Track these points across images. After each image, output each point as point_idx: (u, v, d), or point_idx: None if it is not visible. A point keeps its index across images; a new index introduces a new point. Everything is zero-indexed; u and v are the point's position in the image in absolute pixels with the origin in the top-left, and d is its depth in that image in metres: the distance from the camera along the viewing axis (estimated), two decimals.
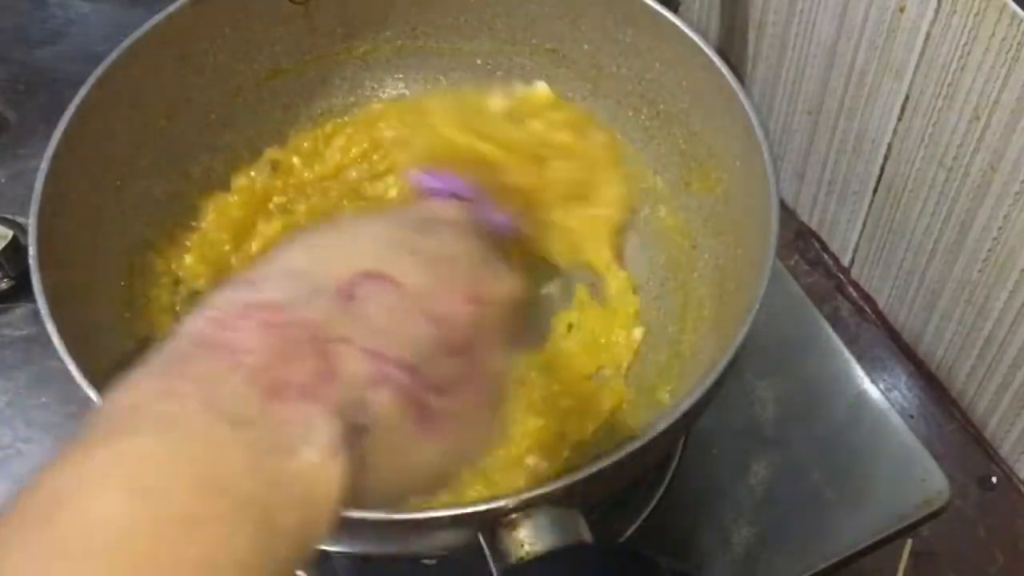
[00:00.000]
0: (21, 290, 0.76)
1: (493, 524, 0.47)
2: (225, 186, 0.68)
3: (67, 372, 0.50)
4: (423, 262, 0.38)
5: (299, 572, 0.66)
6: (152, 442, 0.30)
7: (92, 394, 0.49)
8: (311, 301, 0.35)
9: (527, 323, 0.43)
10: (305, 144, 0.71)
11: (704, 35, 0.62)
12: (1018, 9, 0.56)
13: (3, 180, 0.82)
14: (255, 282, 0.36)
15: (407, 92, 0.73)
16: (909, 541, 0.69)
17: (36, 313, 0.52)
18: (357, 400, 0.34)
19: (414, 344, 0.36)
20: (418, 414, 0.36)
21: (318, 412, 0.33)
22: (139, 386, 0.33)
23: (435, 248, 0.39)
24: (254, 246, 0.68)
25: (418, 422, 0.36)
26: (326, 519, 0.32)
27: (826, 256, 0.82)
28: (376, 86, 0.73)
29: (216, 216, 0.67)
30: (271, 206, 0.69)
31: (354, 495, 0.34)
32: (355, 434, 0.34)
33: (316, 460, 0.32)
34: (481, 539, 0.47)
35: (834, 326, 0.76)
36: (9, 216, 0.77)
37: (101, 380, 0.49)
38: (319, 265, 0.37)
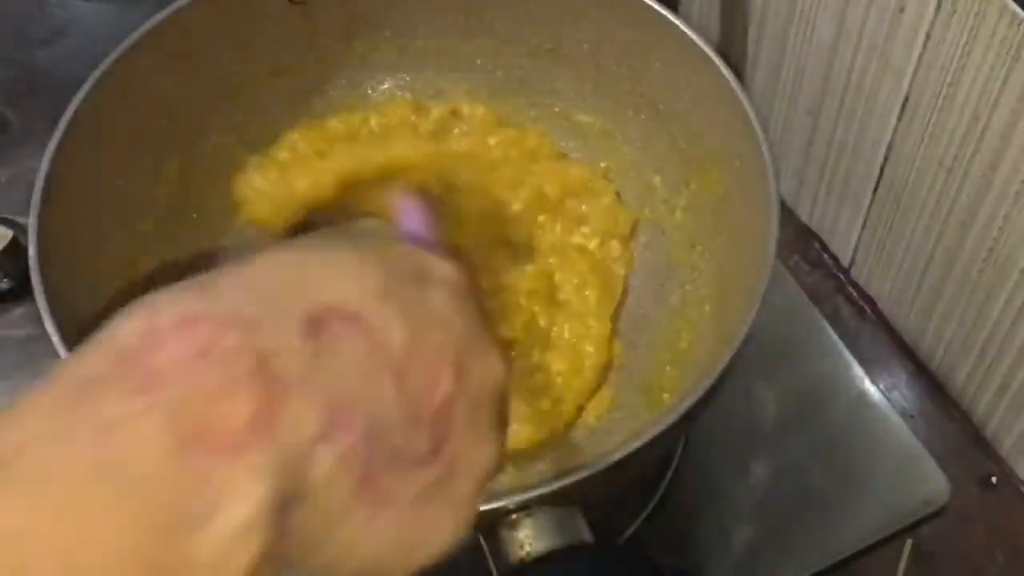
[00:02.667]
0: (21, 290, 0.76)
1: (493, 524, 0.47)
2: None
3: None
4: (410, 318, 0.32)
5: None
6: (15, 511, 0.25)
7: None
8: (268, 325, 0.29)
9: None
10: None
11: (704, 35, 0.62)
12: (1018, 9, 0.56)
13: (3, 180, 0.82)
14: (208, 288, 0.30)
15: (407, 93, 0.73)
16: (909, 541, 0.69)
17: (36, 313, 0.52)
18: (298, 459, 0.28)
19: (376, 406, 0.30)
20: (365, 489, 0.30)
21: (245, 470, 0.27)
22: (29, 419, 0.27)
23: (426, 308, 0.33)
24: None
25: (363, 499, 0.30)
26: None
27: (826, 256, 0.82)
28: (376, 86, 0.73)
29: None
30: None
31: (270, 572, 0.28)
32: (287, 503, 0.28)
33: (227, 536, 0.26)
34: (481, 539, 0.47)
35: (834, 326, 0.76)
36: (9, 216, 0.77)
37: None
38: (291, 284, 0.31)
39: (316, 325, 0.30)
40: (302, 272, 0.32)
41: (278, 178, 0.62)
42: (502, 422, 0.35)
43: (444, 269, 0.35)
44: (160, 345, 0.28)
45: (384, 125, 0.71)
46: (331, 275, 0.32)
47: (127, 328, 0.29)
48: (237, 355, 0.28)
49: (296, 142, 0.69)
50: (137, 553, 0.25)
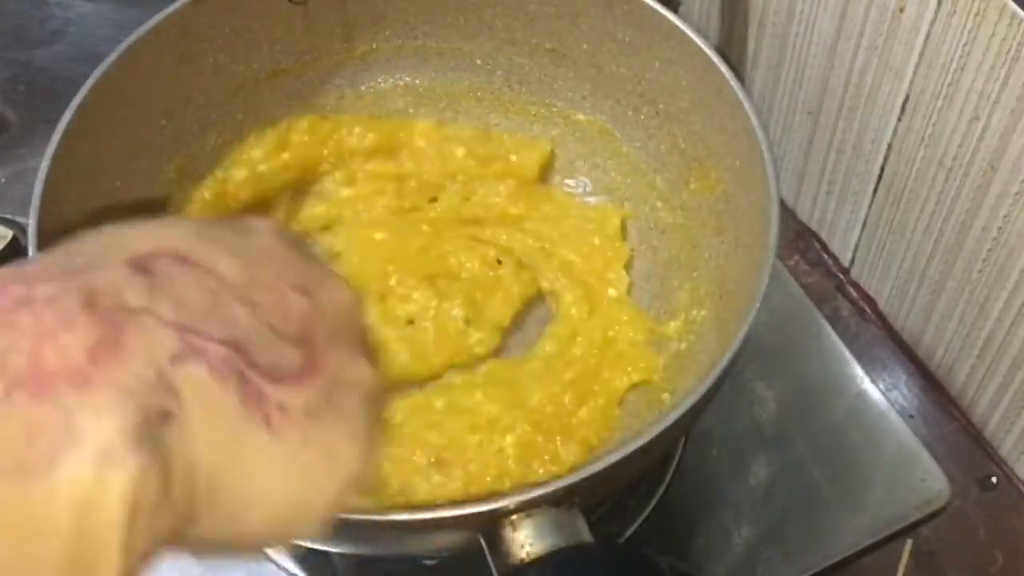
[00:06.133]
0: None
1: (493, 524, 0.47)
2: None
3: None
4: (238, 256, 0.32)
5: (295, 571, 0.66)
6: None
7: None
8: (92, 270, 0.28)
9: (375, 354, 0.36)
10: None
11: (704, 35, 0.62)
12: (1018, 9, 0.56)
13: (3, 180, 0.82)
14: (24, 264, 0.29)
15: (406, 91, 0.73)
16: (909, 541, 0.69)
17: None
18: (157, 378, 0.27)
19: (233, 326, 0.29)
20: (252, 401, 0.29)
21: (90, 399, 0.25)
22: None
23: (254, 247, 0.33)
24: None
25: (253, 412, 0.29)
26: (111, 550, 0.25)
27: (826, 256, 0.82)
28: (376, 86, 0.73)
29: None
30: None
31: (168, 508, 0.26)
32: (156, 425, 0.26)
33: (82, 472, 0.24)
34: (481, 539, 0.47)
35: (834, 326, 0.76)
36: (9, 216, 0.77)
37: None
38: (110, 243, 0.31)
39: (143, 264, 0.29)
40: (120, 233, 0.32)
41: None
42: (369, 349, 0.35)
43: (263, 221, 0.35)
44: None
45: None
46: (149, 230, 0.32)
47: None
48: (60, 297, 0.27)
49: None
50: None
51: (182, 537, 0.28)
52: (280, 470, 0.30)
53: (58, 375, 0.25)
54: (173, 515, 0.27)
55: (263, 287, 0.31)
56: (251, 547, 0.32)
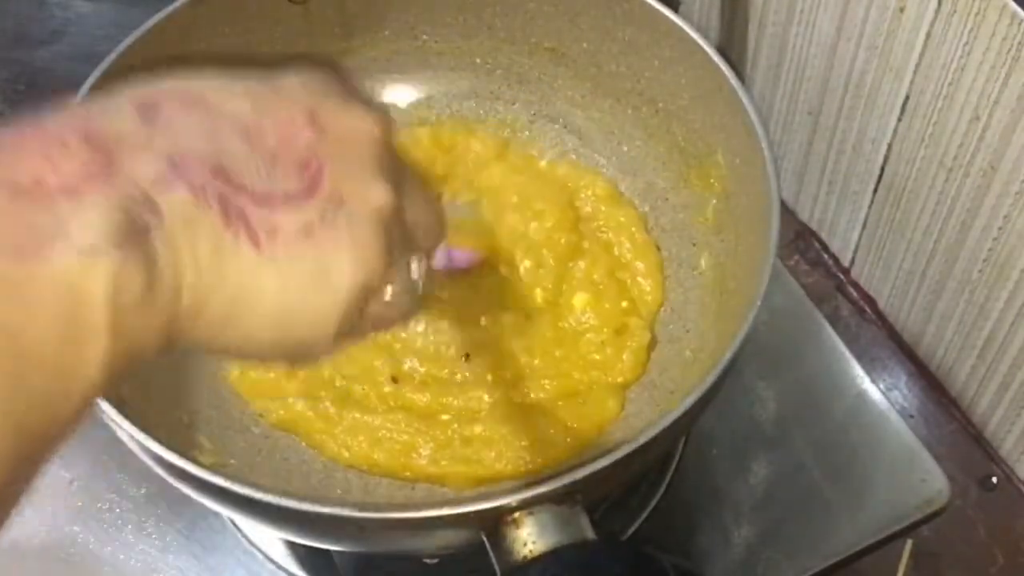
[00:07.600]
0: None
1: (496, 522, 0.47)
2: None
3: None
4: (254, 98, 0.34)
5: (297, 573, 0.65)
6: None
7: None
8: (100, 113, 0.32)
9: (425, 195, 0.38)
10: None
11: (704, 34, 0.62)
12: (1018, 9, 0.56)
13: None
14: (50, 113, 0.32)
15: (406, 91, 0.73)
16: (909, 541, 0.69)
17: None
18: (141, 196, 0.30)
19: (226, 152, 0.32)
20: (235, 220, 0.31)
21: (80, 206, 0.29)
22: None
23: (273, 88, 0.35)
24: None
25: (237, 229, 0.31)
26: (98, 332, 0.29)
27: (826, 256, 0.82)
28: (375, 86, 0.73)
29: None
30: None
31: (153, 306, 0.30)
32: (138, 232, 0.29)
33: (70, 259, 0.28)
34: (484, 537, 0.47)
35: (834, 326, 0.76)
36: None
37: None
38: (131, 91, 0.33)
39: (150, 106, 0.32)
40: (144, 83, 0.34)
41: None
42: (394, 170, 0.36)
43: (298, 73, 0.37)
44: None
45: None
46: (173, 81, 0.35)
47: None
48: (60, 131, 0.30)
49: None
50: None
51: (177, 340, 0.31)
52: (269, 285, 0.32)
53: (54, 188, 0.29)
54: (160, 315, 0.30)
55: (272, 123, 0.33)
56: (257, 355, 0.35)
